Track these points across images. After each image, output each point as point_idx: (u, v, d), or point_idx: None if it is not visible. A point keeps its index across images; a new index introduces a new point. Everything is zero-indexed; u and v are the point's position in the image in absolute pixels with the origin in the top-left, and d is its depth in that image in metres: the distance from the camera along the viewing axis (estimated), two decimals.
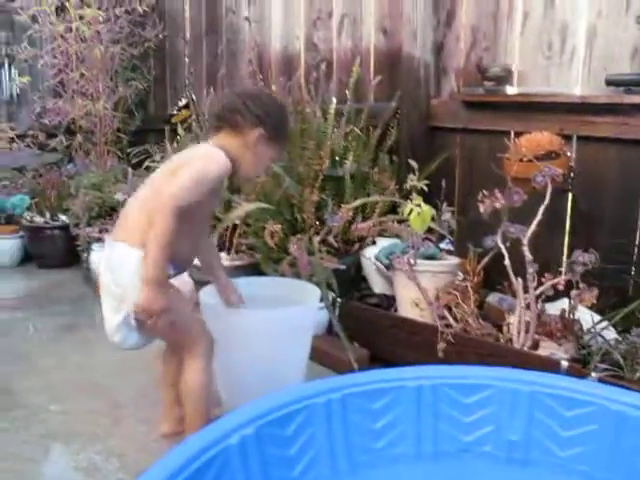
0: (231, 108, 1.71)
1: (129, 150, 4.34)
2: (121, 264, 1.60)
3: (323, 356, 2.21)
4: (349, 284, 2.53)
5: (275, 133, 1.73)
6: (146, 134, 4.62)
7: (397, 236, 2.55)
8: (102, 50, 4.14)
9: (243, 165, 1.73)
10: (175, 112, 4.05)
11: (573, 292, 1.88)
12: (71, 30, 4.11)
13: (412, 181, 2.46)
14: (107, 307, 1.62)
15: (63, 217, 3.82)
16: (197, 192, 1.56)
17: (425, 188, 2.50)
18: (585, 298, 1.85)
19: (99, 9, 4.13)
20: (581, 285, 1.87)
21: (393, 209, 2.70)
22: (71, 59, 4.20)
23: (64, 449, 1.76)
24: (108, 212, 3.48)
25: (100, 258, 1.72)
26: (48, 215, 3.86)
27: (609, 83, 2.21)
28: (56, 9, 4.17)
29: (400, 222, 2.56)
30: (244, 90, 1.84)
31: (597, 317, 2.05)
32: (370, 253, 2.53)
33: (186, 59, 4.50)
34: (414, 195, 2.40)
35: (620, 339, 1.92)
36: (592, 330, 1.98)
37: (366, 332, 2.28)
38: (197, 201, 1.57)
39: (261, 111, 1.69)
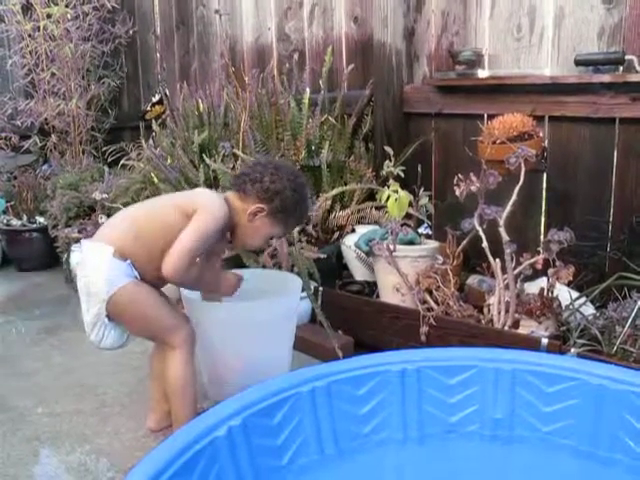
0: (246, 173, 1.74)
1: (104, 149, 4.30)
2: (90, 258, 1.64)
3: (307, 345, 2.23)
4: (330, 273, 2.55)
5: (280, 214, 1.73)
6: (121, 132, 4.58)
7: (376, 223, 2.56)
8: (72, 48, 4.08)
9: (238, 231, 1.75)
10: (148, 108, 4.02)
11: (550, 270, 1.91)
12: (39, 29, 4.05)
13: (388, 167, 2.48)
14: (83, 307, 1.66)
15: (41, 219, 3.78)
16: (206, 245, 1.65)
17: (401, 174, 2.52)
18: (562, 275, 1.88)
19: (67, 6, 4.06)
20: (558, 263, 1.90)
21: (371, 196, 2.72)
22: (41, 58, 4.14)
23: (53, 451, 1.75)
24: (86, 212, 3.46)
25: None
26: (25, 217, 3.82)
27: (578, 63, 2.23)
28: (22, 8, 4.10)
29: (378, 209, 2.58)
30: (271, 162, 1.80)
31: (575, 294, 2.08)
32: (350, 241, 2.54)
33: (158, 54, 4.45)
34: (391, 181, 2.41)
35: (598, 314, 1.95)
36: (570, 307, 2.01)
37: (349, 319, 2.29)
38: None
39: (272, 187, 1.69)
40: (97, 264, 1.60)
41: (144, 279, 1.65)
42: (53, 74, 4.15)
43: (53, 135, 4.26)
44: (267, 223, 1.73)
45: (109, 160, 4.15)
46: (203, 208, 1.65)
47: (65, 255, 3.35)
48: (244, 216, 1.71)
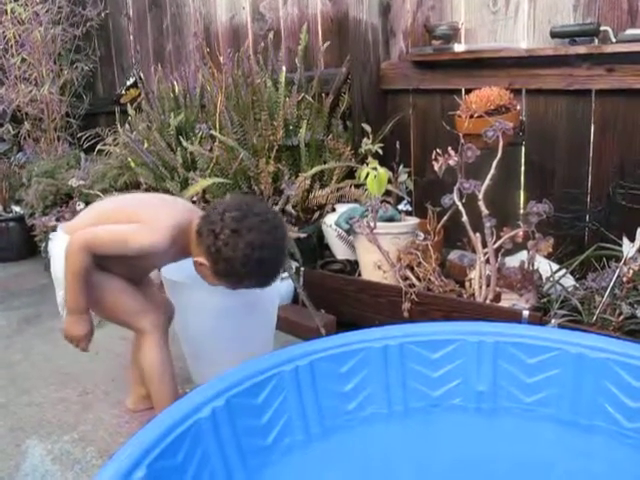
0: (210, 218, 1.51)
1: (80, 135, 4.23)
2: (54, 248, 1.69)
3: (290, 325, 2.23)
4: (311, 252, 2.54)
5: (224, 278, 1.54)
6: (96, 117, 4.51)
7: (356, 201, 2.56)
8: (42, 32, 3.99)
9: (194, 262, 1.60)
10: (123, 92, 3.96)
11: (530, 242, 1.92)
12: (6, 12, 3.95)
13: (367, 145, 2.46)
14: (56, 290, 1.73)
15: (17, 208, 3.73)
16: (114, 250, 1.55)
17: (380, 151, 2.51)
18: (541, 248, 1.89)
19: None
20: (537, 235, 1.91)
21: (350, 174, 2.70)
22: (10, 43, 4.04)
23: (37, 440, 1.73)
24: (63, 199, 3.41)
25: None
26: (1, 207, 3.76)
27: (554, 35, 2.23)
28: None
29: (358, 187, 2.57)
30: (243, 217, 1.48)
31: (555, 266, 2.10)
32: (330, 220, 2.53)
33: (131, 37, 4.38)
34: (370, 159, 2.40)
35: (577, 285, 1.97)
36: (551, 279, 2.03)
37: (331, 298, 2.29)
38: (121, 256, 1.57)
39: (222, 250, 1.47)
40: (58, 253, 1.63)
41: (113, 271, 1.64)
42: (23, 59, 4.06)
43: (26, 122, 4.19)
44: (211, 276, 1.56)
45: (85, 146, 4.09)
46: (139, 228, 1.53)
47: (43, 244, 3.30)
48: (195, 254, 1.56)
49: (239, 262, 1.47)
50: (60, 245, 1.64)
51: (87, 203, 3.20)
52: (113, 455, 1.13)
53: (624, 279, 1.80)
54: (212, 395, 1.31)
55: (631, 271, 1.79)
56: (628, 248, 1.86)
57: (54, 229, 3.10)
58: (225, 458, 1.30)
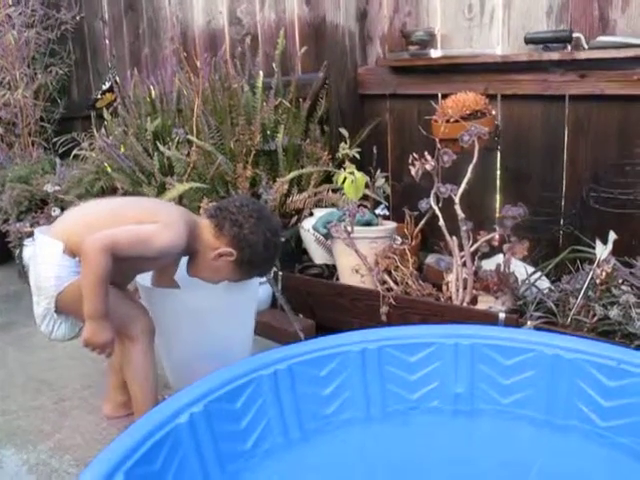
0: (229, 211, 1.66)
1: (55, 139, 4.18)
2: (39, 253, 1.60)
3: (269, 330, 2.22)
4: (290, 257, 2.54)
5: (245, 265, 1.68)
6: (72, 122, 4.45)
7: (333, 205, 2.56)
8: (15, 35, 3.94)
9: (197, 262, 1.70)
10: (99, 96, 3.93)
11: (505, 246, 1.94)
12: None
13: (344, 150, 2.47)
14: (34, 299, 1.63)
15: None
16: (136, 252, 1.55)
17: (357, 156, 2.52)
18: (517, 251, 1.91)
19: None
20: (512, 238, 1.94)
21: (328, 179, 2.71)
22: None
23: (13, 450, 1.70)
24: (38, 205, 3.37)
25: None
26: None
27: (528, 41, 2.27)
28: None
29: (335, 191, 2.58)
30: (257, 209, 1.69)
31: (531, 269, 2.12)
32: (308, 224, 2.53)
33: (107, 41, 4.34)
34: (347, 164, 2.41)
35: (553, 288, 1.99)
36: (526, 281, 2.05)
37: (310, 303, 2.30)
38: (136, 257, 1.58)
39: (249, 237, 1.63)
40: (46, 260, 1.57)
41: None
42: None
43: None
44: (229, 268, 1.68)
45: (60, 151, 4.03)
46: (161, 228, 1.56)
47: (17, 250, 3.26)
48: (210, 252, 1.65)
49: (262, 246, 1.65)
50: (49, 251, 1.56)
51: (62, 209, 3.16)
52: (90, 462, 1.12)
53: (597, 281, 1.83)
54: (190, 401, 1.30)
55: (604, 273, 1.82)
56: (601, 250, 1.89)
57: (29, 235, 3.09)
58: (204, 463, 1.29)
